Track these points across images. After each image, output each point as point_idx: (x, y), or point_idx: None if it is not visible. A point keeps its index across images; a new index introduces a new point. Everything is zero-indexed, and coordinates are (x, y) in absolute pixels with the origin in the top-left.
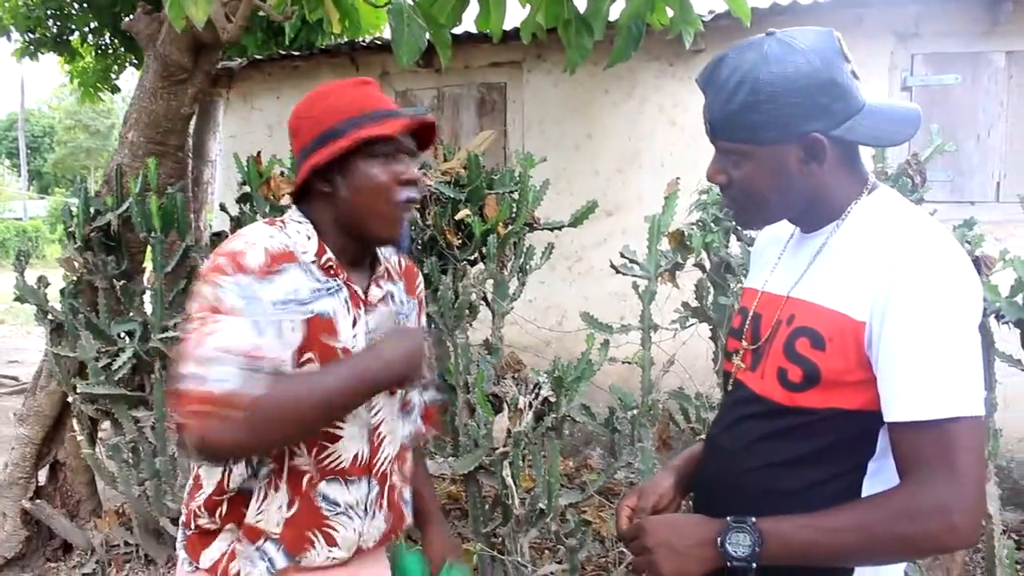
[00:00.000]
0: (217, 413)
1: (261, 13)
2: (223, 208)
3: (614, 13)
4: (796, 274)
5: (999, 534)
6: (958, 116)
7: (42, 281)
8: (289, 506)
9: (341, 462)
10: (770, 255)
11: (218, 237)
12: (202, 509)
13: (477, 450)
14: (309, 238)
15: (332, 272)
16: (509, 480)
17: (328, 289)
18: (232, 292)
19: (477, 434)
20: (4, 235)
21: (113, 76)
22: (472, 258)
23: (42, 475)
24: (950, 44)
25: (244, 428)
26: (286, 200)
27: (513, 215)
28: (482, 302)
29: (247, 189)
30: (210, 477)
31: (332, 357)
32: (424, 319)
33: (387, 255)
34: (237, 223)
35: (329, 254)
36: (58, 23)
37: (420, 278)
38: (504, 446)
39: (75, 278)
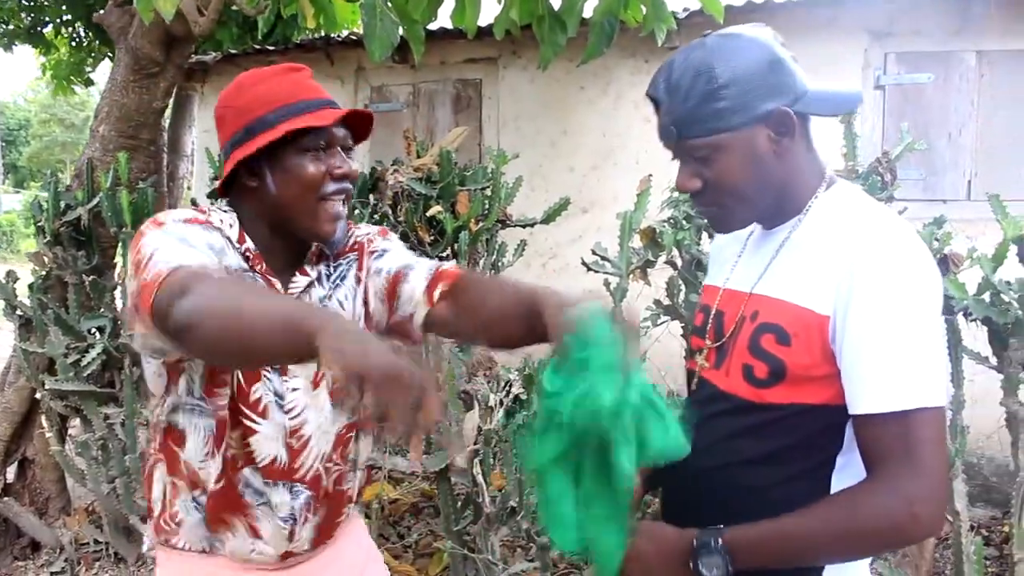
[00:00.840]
0: (164, 285)
1: (235, 7)
2: (194, 203)
3: (588, 10)
4: (758, 270)
5: (967, 530)
6: (930, 115)
7: (11, 276)
8: (216, 480)
9: (260, 459)
10: (730, 253)
11: None
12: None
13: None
14: (231, 226)
15: (249, 263)
16: (480, 478)
17: (245, 273)
18: (157, 236)
19: (448, 432)
20: None
21: (88, 69)
22: (444, 255)
23: (10, 472)
24: (923, 43)
25: (187, 298)
26: None
27: (485, 212)
28: None
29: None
30: (156, 388)
31: None
32: (370, 252)
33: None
34: None
35: (248, 244)
36: (31, 15)
37: (351, 230)
38: (475, 444)
39: (44, 273)
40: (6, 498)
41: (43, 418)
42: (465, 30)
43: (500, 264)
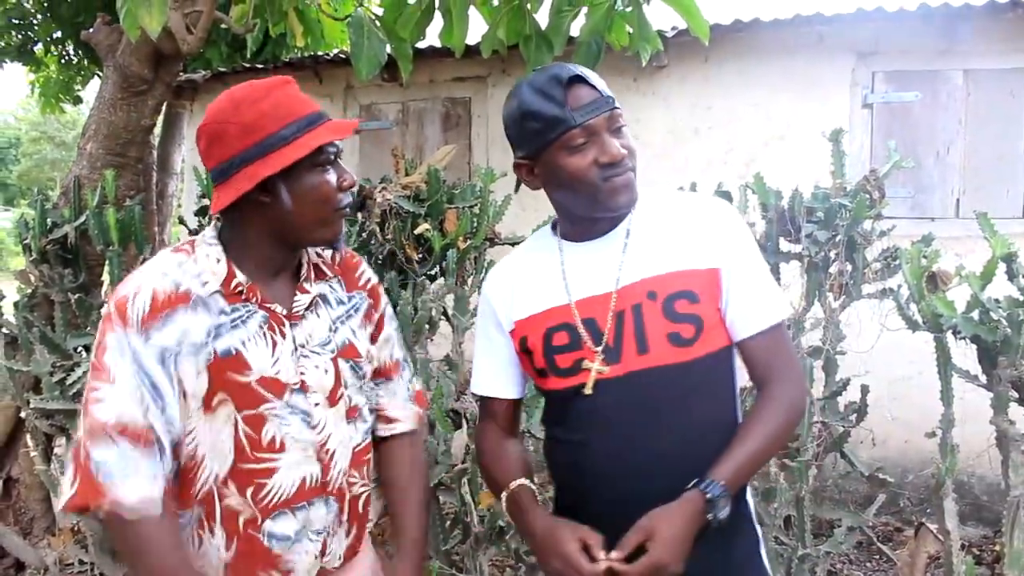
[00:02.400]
0: (87, 497)
1: (224, 25)
2: (182, 221)
3: (575, 29)
4: (611, 269)
5: (958, 549)
6: (918, 133)
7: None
8: (227, 548)
9: (283, 493)
10: (537, 280)
11: None
12: None
13: (436, 467)
14: (219, 261)
15: (243, 297)
16: (468, 497)
17: (234, 320)
18: (114, 350)
19: (436, 451)
20: None
21: (77, 87)
22: (432, 273)
23: None
24: (910, 62)
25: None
26: None
27: (473, 230)
28: (442, 317)
29: (206, 202)
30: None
31: (247, 392)
32: (384, 315)
33: (318, 251)
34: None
35: (239, 278)
36: (21, 33)
37: (363, 267)
38: (463, 463)
39: (30, 291)
40: None
41: (28, 437)
42: (453, 49)
43: None
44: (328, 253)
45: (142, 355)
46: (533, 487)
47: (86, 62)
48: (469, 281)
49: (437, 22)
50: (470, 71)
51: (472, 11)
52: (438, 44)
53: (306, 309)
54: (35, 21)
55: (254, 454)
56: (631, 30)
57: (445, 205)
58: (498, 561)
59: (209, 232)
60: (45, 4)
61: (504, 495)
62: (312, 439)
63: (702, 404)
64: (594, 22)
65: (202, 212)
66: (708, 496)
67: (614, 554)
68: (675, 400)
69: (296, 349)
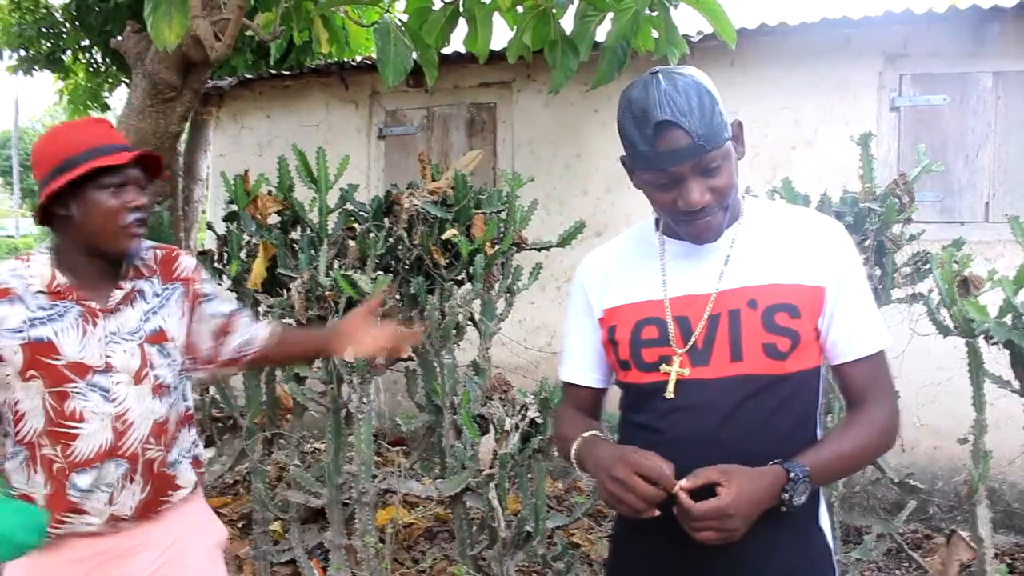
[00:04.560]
0: None
1: (249, 33)
2: (210, 227)
3: (601, 34)
4: (713, 272)
5: (991, 557)
6: (947, 136)
7: None
8: (45, 485)
9: (85, 454)
10: (635, 273)
11: (204, 256)
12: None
13: (463, 472)
14: (45, 266)
15: (62, 296)
16: (495, 502)
17: (51, 315)
18: None
19: (463, 456)
20: None
21: (105, 94)
22: (459, 278)
23: None
24: (938, 65)
25: None
26: (273, 219)
27: (500, 235)
28: (469, 322)
29: (234, 207)
30: None
31: (54, 372)
32: (199, 294)
33: (141, 253)
34: (224, 241)
35: (59, 280)
36: (50, 42)
37: (180, 260)
38: (491, 468)
39: None
40: None
41: None
42: (477, 55)
43: (515, 287)
44: (150, 254)
45: None
46: (607, 438)
47: (114, 69)
48: (496, 286)
49: (462, 28)
50: (495, 76)
51: (496, 17)
52: (463, 50)
53: (120, 303)
54: (64, 30)
55: (59, 421)
56: (657, 35)
57: (472, 210)
58: (525, 566)
59: (44, 245)
60: (74, 13)
61: (576, 444)
62: (110, 411)
63: (785, 420)
64: (620, 27)
65: (230, 218)
66: (790, 474)
67: (684, 482)
68: (759, 412)
69: (106, 336)
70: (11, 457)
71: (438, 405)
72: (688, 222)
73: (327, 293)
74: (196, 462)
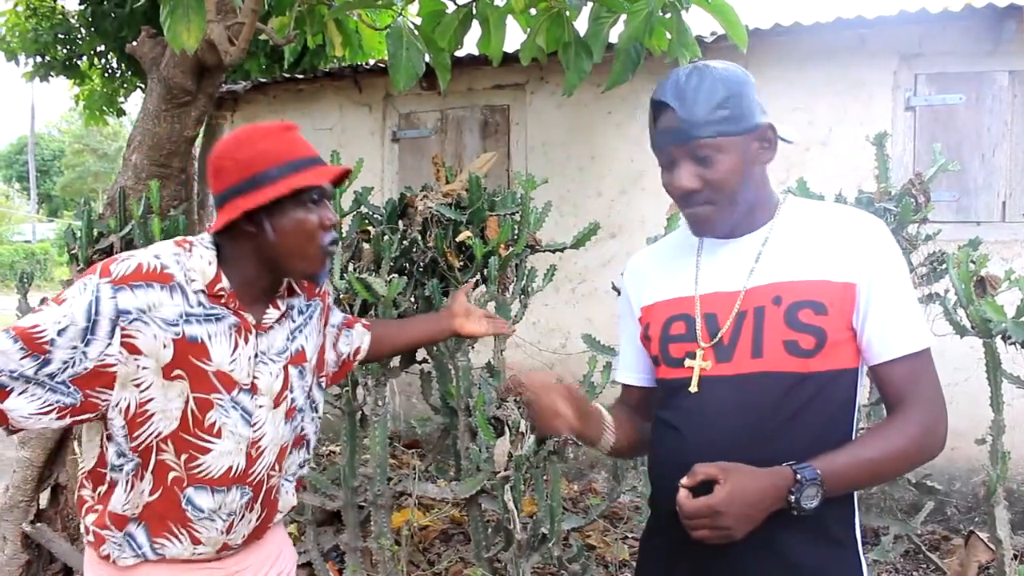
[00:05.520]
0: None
1: (263, 37)
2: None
3: (614, 36)
4: (743, 269)
5: (1010, 559)
6: (962, 136)
7: (44, 303)
8: (152, 492)
9: (210, 472)
10: (672, 271)
11: None
12: (87, 480)
13: (479, 474)
14: (210, 263)
15: (222, 301)
16: (511, 504)
17: (208, 315)
18: (79, 286)
19: (479, 458)
20: (13, 257)
21: (120, 99)
22: (474, 280)
23: (43, 498)
24: (953, 64)
25: None
26: None
27: (514, 237)
28: None
29: None
30: (89, 452)
31: (203, 378)
32: (329, 307)
33: None
34: None
35: (223, 284)
36: (66, 47)
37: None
38: (506, 470)
39: None
40: (39, 524)
41: (75, 444)
42: (490, 58)
43: (530, 289)
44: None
45: (103, 300)
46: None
47: (129, 74)
48: (510, 288)
49: (475, 31)
50: (508, 79)
51: (509, 19)
52: (476, 52)
53: (274, 322)
54: (80, 36)
55: (195, 430)
56: (670, 36)
57: (486, 212)
58: (540, 568)
59: (207, 237)
60: (90, 19)
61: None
62: (247, 435)
63: (814, 421)
64: (633, 28)
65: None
66: (798, 476)
67: (684, 479)
68: (784, 410)
69: (256, 355)
70: (115, 469)
71: (453, 407)
72: (682, 209)
73: (342, 296)
74: (298, 483)
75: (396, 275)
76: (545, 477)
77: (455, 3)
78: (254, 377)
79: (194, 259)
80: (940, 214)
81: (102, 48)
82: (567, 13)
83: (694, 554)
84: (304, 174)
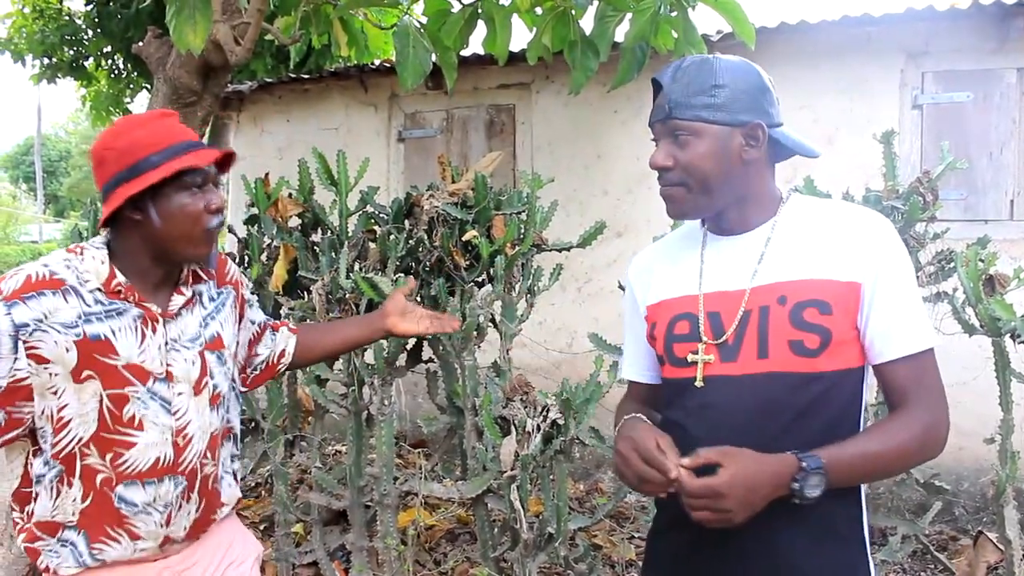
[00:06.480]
0: None
1: (269, 37)
2: (231, 230)
3: (620, 35)
4: (747, 268)
5: (1019, 559)
6: (970, 134)
7: None
8: (83, 499)
9: (138, 466)
10: (676, 268)
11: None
12: (15, 503)
13: (485, 473)
14: (103, 263)
15: (121, 295)
16: (517, 504)
17: (108, 312)
18: None
19: (485, 457)
20: (20, 258)
21: (127, 100)
22: (480, 279)
23: None
24: (961, 62)
25: None
26: (294, 222)
27: (520, 236)
28: (490, 324)
29: (255, 211)
30: (16, 472)
31: (113, 373)
32: (245, 299)
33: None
34: (245, 244)
35: (119, 279)
36: (73, 49)
37: (229, 264)
38: (512, 469)
39: None
40: None
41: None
42: (496, 57)
43: (536, 288)
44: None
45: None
46: (647, 420)
47: (136, 75)
48: (517, 287)
49: (480, 30)
50: (514, 78)
51: (515, 18)
52: (482, 52)
53: (181, 308)
54: (86, 37)
55: (115, 427)
56: (676, 35)
57: (492, 212)
58: (547, 568)
59: (98, 239)
60: (96, 20)
61: (618, 427)
62: (170, 424)
63: (820, 420)
64: (639, 27)
65: (251, 221)
66: (803, 464)
67: (685, 460)
68: (791, 410)
69: (167, 343)
70: (39, 480)
71: (459, 407)
72: (660, 186)
73: (348, 295)
74: (234, 477)
75: (402, 274)
76: (551, 476)
77: (460, 2)
78: (168, 365)
79: (86, 261)
80: (948, 212)
81: (108, 49)
82: (573, 12)
83: (700, 554)
84: (184, 158)
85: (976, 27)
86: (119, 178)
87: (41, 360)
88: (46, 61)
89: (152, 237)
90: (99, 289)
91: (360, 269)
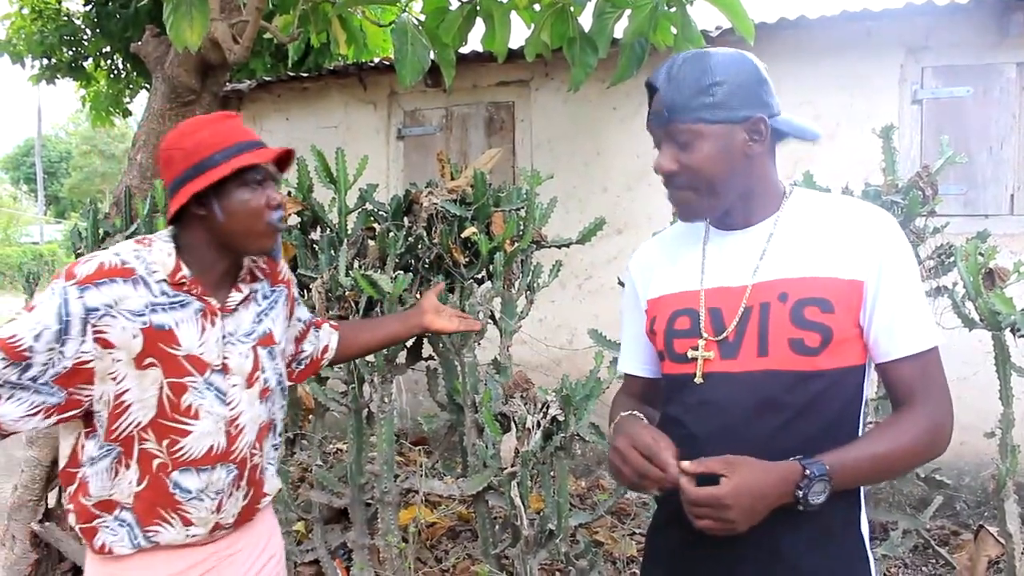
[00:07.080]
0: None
1: (267, 35)
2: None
3: (619, 31)
4: (749, 264)
5: (1020, 553)
6: (970, 129)
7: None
8: (139, 482)
9: (193, 454)
10: (678, 263)
11: None
12: (63, 481)
13: (485, 470)
14: (169, 255)
15: (185, 288)
16: (518, 501)
17: (173, 303)
18: (49, 292)
19: (485, 454)
20: (21, 259)
21: (126, 100)
22: (479, 276)
23: (52, 497)
24: (960, 56)
25: None
26: (293, 219)
27: (520, 233)
28: (490, 321)
29: None
30: (63, 452)
31: (174, 363)
32: (294, 297)
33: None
34: None
35: (184, 272)
36: (72, 49)
37: (281, 264)
38: (512, 466)
39: None
40: (48, 523)
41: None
42: (495, 54)
43: (535, 285)
44: (262, 259)
45: (71, 301)
46: (644, 418)
47: (135, 75)
48: (516, 284)
49: (479, 27)
50: (513, 75)
51: (513, 15)
52: (481, 49)
53: (238, 304)
54: (85, 37)
55: (172, 414)
56: (675, 31)
57: (491, 208)
58: (548, 564)
59: (165, 233)
60: (95, 20)
61: (614, 423)
62: (224, 414)
63: (820, 417)
64: (637, 23)
65: None
66: (807, 471)
67: (687, 465)
68: (791, 408)
69: (224, 337)
70: (93, 461)
71: (459, 404)
72: (667, 191)
73: (347, 293)
74: (275, 468)
75: (401, 272)
76: (552, 473)
77: (459, 0)
78: (224, 358)
79: (154, 253)
80: (948, 207)
81: (108, 49)
82: (571, 8)
83: (697, 549)
84: (244, 156)
85: (976, 22)
86: (185, 176)
87: (107, 345)
88: (45, 62)
89: (216, 232)
90: (165, 280)
91: (359, 267)
